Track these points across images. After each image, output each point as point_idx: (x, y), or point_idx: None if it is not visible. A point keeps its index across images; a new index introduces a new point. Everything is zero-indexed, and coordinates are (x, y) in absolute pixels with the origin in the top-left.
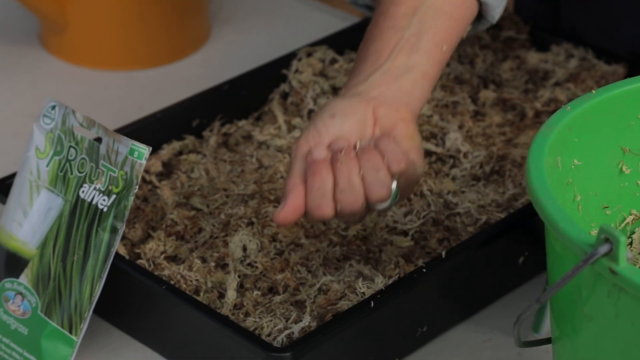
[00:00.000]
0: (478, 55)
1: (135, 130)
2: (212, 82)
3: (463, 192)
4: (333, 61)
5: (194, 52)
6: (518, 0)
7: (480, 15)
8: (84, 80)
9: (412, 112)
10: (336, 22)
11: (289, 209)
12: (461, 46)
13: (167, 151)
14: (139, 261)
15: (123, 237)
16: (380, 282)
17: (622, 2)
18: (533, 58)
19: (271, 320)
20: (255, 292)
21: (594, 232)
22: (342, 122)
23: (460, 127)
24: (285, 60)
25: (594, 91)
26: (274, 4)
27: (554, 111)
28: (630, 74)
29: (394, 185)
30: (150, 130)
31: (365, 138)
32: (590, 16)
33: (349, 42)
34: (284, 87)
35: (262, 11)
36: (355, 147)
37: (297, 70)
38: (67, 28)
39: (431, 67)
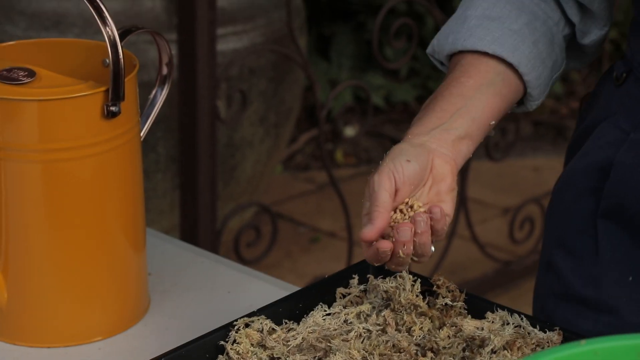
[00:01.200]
0: (415, 323)
1: None
2: (149, 355)
3: None
4: (271, 331)
5: (132, 325)
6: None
7: (520, 101)
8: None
9: (457, 166)
10: (276, 291)
11: (376, 233)
12: (399, 314)
13: None
14: None
15: None
16: None
17: None
18: (469, 326)
19: None
20: None
21: None
22: (415, 166)
23: None
24: (223, 331)
25: None
26: (214, 275)
27: None
28: (564, 341)
29: (432, 248)
30: None
31: (423, 181)
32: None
33: (287, 312)
34: (221, 358)
35: (201, 282)
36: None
37: (235, 342)
38: (5, 308)
39: (479, 135)
